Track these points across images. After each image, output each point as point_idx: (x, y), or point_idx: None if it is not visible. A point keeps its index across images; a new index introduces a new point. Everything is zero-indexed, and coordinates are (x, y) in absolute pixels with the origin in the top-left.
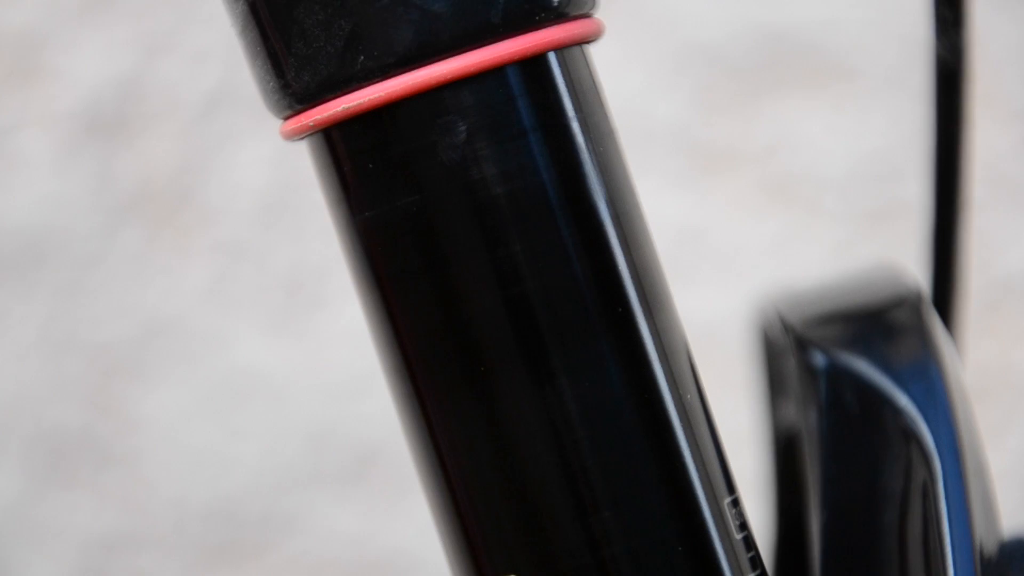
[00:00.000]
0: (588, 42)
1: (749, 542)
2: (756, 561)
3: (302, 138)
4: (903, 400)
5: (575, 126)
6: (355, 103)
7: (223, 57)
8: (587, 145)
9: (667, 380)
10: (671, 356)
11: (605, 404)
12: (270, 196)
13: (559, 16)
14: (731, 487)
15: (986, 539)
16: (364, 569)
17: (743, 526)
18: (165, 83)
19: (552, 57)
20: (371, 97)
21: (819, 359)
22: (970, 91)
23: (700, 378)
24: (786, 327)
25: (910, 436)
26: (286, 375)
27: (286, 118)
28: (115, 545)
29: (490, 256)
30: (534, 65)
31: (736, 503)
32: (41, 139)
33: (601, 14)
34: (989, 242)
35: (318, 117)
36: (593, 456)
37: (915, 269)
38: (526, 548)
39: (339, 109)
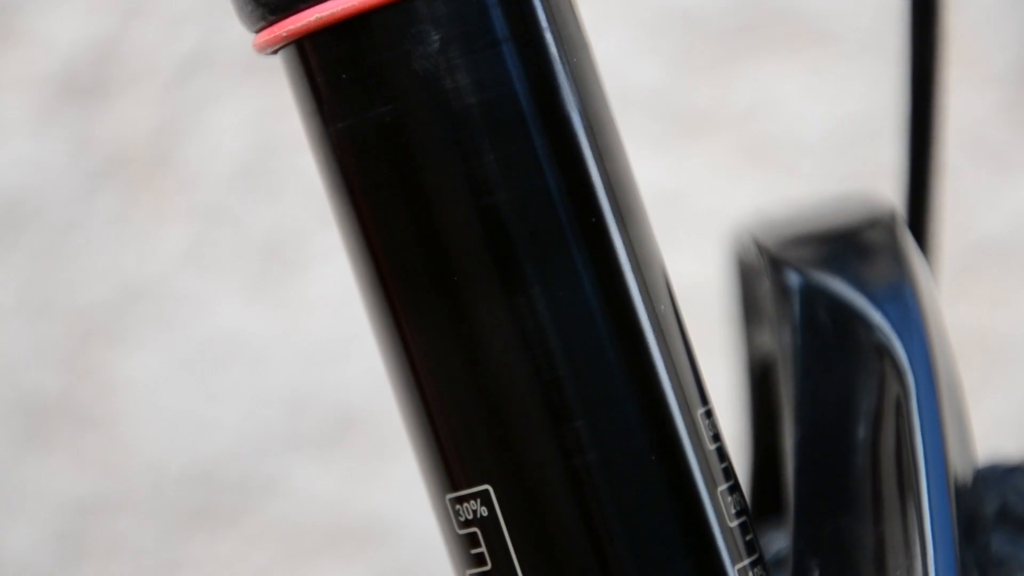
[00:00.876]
0: None
1: (722, 453)
2: (729, 472)
3: (275, 50)
4: (877, 317)
5: (548, 36)
6: (328, 12)
7: (201, 20)
8: (560, 56)
9: (640, 291)
10: (644, 267)
11: (577, 314)
12: (249, 160)
13: None
14: (704, 398)
15: (960, 460)
16: (343, 534)
17: (716, 437)
18: (142, 46)
19: None
20: (344, 6)
21: (793, 278)
22: (946, 54)
23: (674, 291)
24: (760, 249)
25: (884, 352)
26: (265, 339)
27: (259, 30)
28: (93, 509)
29: (463, 166)
30: None
31: (709, 414)
32: (18, 103)
33: None
34: (965, 206)
35: (291, 28)
36: (565, 366)
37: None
38: (499, 459)
39: (312, 19)
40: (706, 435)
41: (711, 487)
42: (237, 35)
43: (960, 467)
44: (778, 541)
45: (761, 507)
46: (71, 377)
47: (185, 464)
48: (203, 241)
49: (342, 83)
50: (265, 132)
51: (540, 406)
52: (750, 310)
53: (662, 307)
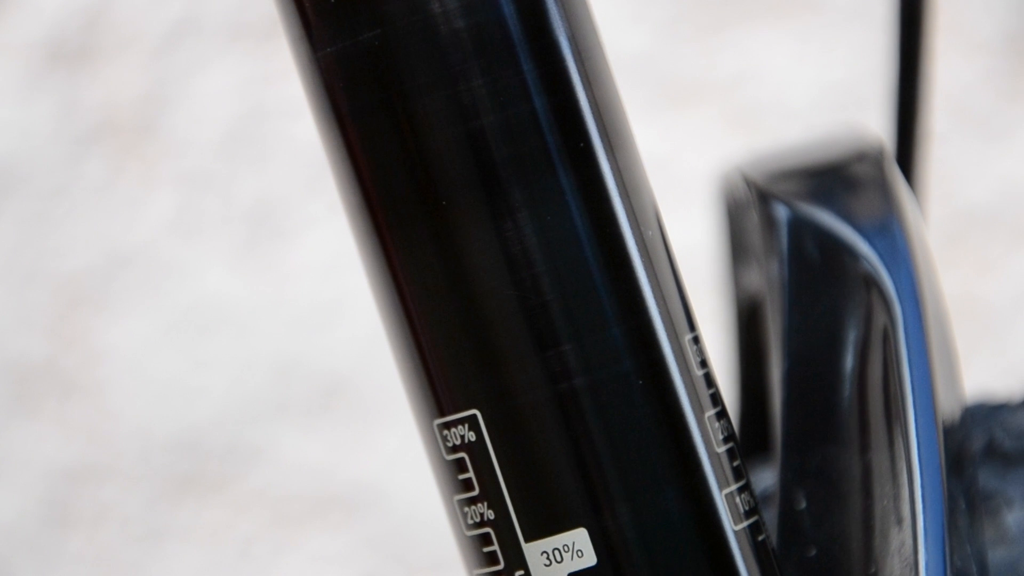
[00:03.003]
0: None
1: (710, 379)
2: (717, 398)
3: None
4: (864, 248)
5: None
6: None
7: None
8: None
9: (628, 216)
10: (632, 193)
11: (564, 238)
12: (235, 126)
13: None
14: (692, 324)
15: (948, 395)
16: (329, 501)
17: (703, 363)
18: (129, 12)
19: None
20: None
21: (781, 211)
22: (933, 22)
23: (662, 218)
24: (748, 183)
25: (871, 282)
26: (251, 306)
27: None
28: (79, 476)
29: (451, 90)
30: None
31: (696, 340)
32: (5, 69)
33: None
34: (952, 173)
35: None
36: (552, 290)
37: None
38: (486, 384)
39: None
40: (693, 360)
41: (698, 412)
42: (224, 1)
43: (947, 401)
44: (765, 480)
45: (749, 448)
46: (57, 344)
47: (171, 431)
48: (190, 208)
49: (330, 8)
50: (252, 99)
51: (527, 330)
52: (738, 251)
53: (649, 233)
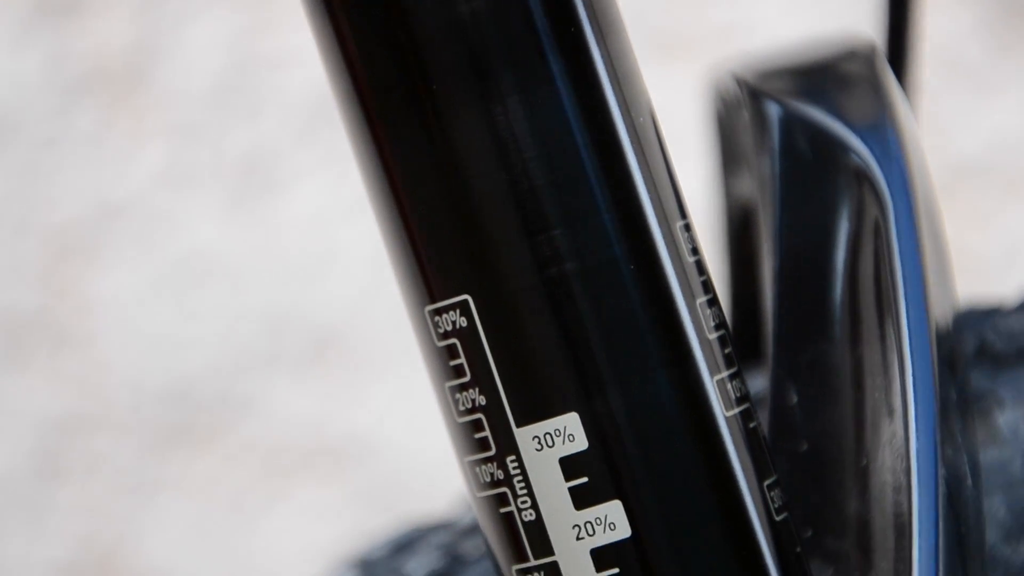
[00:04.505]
0: None
1: (701, 266)
2: (708, 286)
3: None
4: (855, 142)
5: None
6: None
7: None
8: None
9: (618, 102)
10: (623, 80)
11: (555, 123)
12: (225, 78)
13: None
14: (683, 211)
15: (940, 294)
16: (320, 453)
17: (695, 251)
18: None
19: None
20: None
21: (772, 109)
22: None
23: (654, 107)
24: (739, 82)
25: (862, 176)
26: (242, 257)
27: None
28: (71, 427)
29: None
30: None
31: (688, 228)
32: None
33: None
34: (942, 127)
35: None
36: (543, 175)
37: None
38: (478, 268)
39: None
40: (684, 247)
41: (689, 298)
42: None
43: (939, 297)
44: (757, 386)
45: (740, 358)
46: (48, 295)
47: (162, 382)
48: (180, 159)
49: None
50: (242, 50)
51: (517, 215)
52: (728, 160)
53: (641, 119)
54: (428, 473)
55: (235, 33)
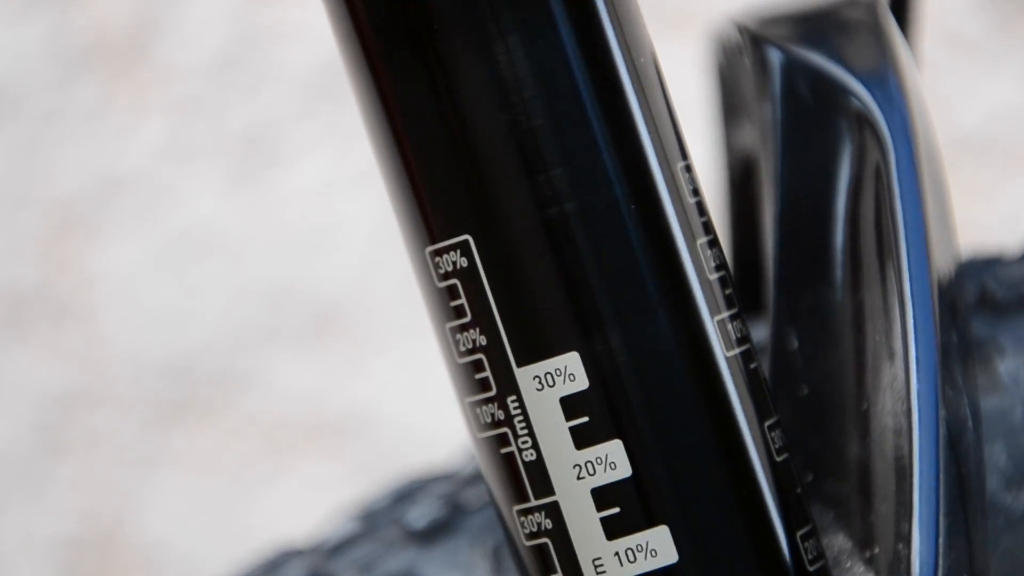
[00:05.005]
0: None
1: (702, 207)
2: (709, 227)
3: None
4: (857, 87)
5: None
6: None
7: None
8: None
9: (619, 41)
10: (624, 20)
11: (556, 62)
12: (227, 51)
13: None
14: (684, 153)
15: (940, 235)
16: (322, 427)
17: (696, 192)
18: None
19: None
20: None
21: (774, 55)
22: None
23: (655, 48)
24: (741, 29)
25: (863, 121)
26: (243, 232)
27: None
28: (71, 402)
29: None
30: None
31: (689, 169)
32: None
33: None
34: (943, 100)
35: None
36: (543, 114)
37: None
38: (479, 208)
39: None
40: (685, 188)
41: (689, 239)
42: None
43: (940, 242)
44: (757, 336)
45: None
46: (49, 269)
47: (164, 357)
48: (181, 133)
49: None
50: (244, 23)
51: (519, 155)
52: (730, 110)
53: (642, 60)
54: (430, 447)
55: (236, 6)
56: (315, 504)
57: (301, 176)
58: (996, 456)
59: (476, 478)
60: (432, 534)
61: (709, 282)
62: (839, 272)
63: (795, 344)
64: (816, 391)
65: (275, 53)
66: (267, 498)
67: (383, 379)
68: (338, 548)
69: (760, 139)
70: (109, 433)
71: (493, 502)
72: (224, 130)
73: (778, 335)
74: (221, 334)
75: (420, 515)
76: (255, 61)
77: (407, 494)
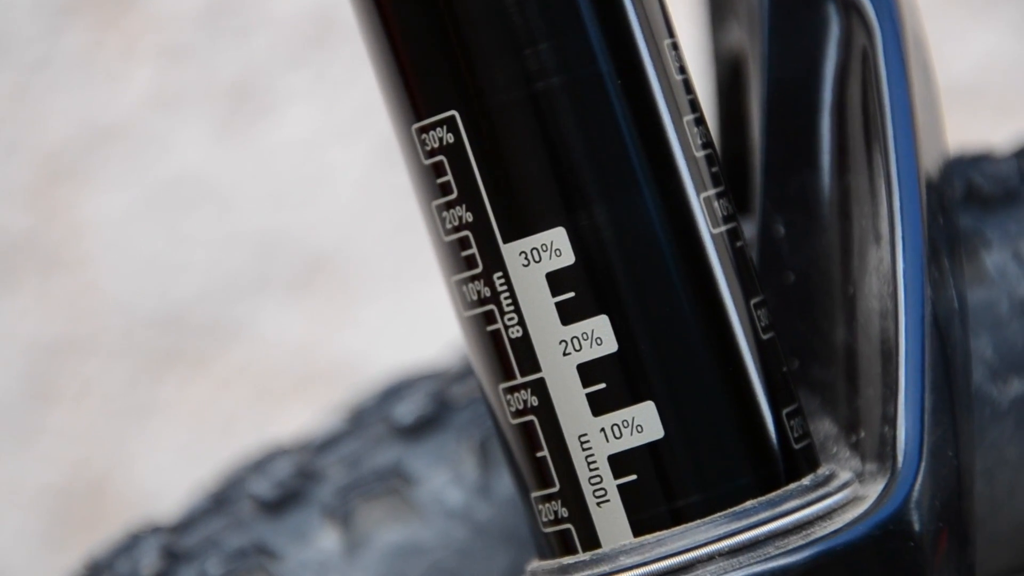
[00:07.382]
0: None
1: (688, 85)
2: (695, 105)
3: None
4: None
5: None
6: None
7: None
8: None
9: None
10: None
11: None
12: (215, 0)
13: None
14: (671, 30)
15: (927, 121)
16: (310, 378)
17: (682, 69)
18: None
19: None
20: None
21: None
22: None
23: None
24: None
25: (850, 5)
26: (233, 181)
27: None
28: (61, 351)
29: None
30: None
31: (675, 47)
32: None
33: None
34: (934, 49)
35: None
36: None
37: None
38: (465, 83)
39: None
40: (672, 65)
41: (675, 115)
42: None
43: (927, 125)
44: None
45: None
46: (38, 218)
47: (153, 307)
48: (170, 82)
49: None
50: None
51: (505, 29)
52: (717, 12)
53: None
54: None
55: None
56: None
57: (291, 125)
58: (982, 348)
59: (463, 375)
60: (419, 430)
61: (695, 159)
62: (826, 157)
63: (782, 231)
64: (802, 277)
65: (265, 1)
66: (257, 447)
67: (373, 328)
68: (325, 445)
69: (747, 27)
70: (99, 383)
71: (479, 383)
72: (213, 79)
73: (765, 223)
74: (211, 284)
75: (407, 411)
76: (244, 9)
77: (394, 391)
